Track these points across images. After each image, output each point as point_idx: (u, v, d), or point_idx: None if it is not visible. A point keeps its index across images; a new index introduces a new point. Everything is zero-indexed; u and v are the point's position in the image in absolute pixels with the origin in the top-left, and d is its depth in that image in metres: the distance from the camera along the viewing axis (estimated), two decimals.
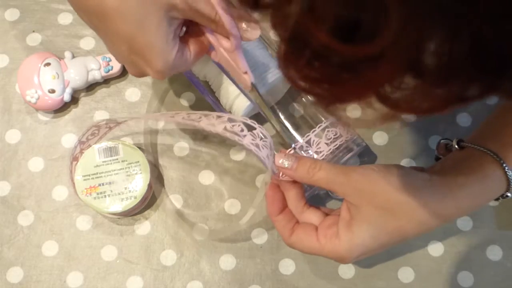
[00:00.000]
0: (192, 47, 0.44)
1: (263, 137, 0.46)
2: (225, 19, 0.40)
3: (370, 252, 0.45)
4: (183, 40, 0.44)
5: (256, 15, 0.26)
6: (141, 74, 0.45)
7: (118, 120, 0.55)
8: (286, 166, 0.46)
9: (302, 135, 0.53)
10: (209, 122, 0.46)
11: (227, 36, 0.42)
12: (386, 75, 0.23)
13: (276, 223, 0.48)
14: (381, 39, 0.21)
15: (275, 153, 0.48)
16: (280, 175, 0.48)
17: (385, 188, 0.43)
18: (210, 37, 0.44)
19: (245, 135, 0.45)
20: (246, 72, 0.44)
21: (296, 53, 0.25)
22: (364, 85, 0.24)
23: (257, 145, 0.45)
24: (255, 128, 0.46)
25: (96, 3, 0.39)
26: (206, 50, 0.45)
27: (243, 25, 0.41)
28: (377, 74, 0.23)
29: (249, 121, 0.46)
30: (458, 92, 0.23)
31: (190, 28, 0.44)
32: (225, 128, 0.45)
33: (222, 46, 0.43)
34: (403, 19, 0.21)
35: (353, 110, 0.37)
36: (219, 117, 0.47)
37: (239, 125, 0.46)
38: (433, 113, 0.25)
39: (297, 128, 0.55)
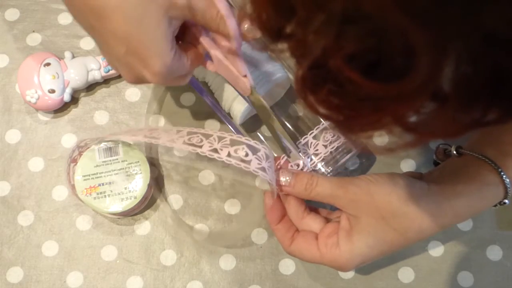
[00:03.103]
0: (189, 54, 0.44)
1: (267, 157, 0.46)
2: (227, 18, 0.40)
3: (370, 260, 0.45)
4: (180, 47, 0.43)
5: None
6: (137, 78, 0.43)
7: (119, 135, 0.54)
8: (283, 182, 0.46)
9: (300, 136, 0.53)
10: (212, 147, 0.45)
11: (227, 36, 0.42)
12: (410, 106, 0.24)
13: (276, 232, 0.48)
14: (410, 80, 0.22)
15: (274, 169, 0.48)
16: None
17: (382, 198, 0.44)
18: (206, 42, 0.43)
19: (250, 160, 0.45)
20: (245, 76, 0.44)
21: (317, 82, 0.25)
22: (386, 114, 0.25)
23: (263, 169, 0.45)
24: (259, 150, 0.46)
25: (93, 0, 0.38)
26: (202, 59, 0.45)
27: (245, 24, 0.41)
28: (401, 105, 0.24)
29: (252, 142, 0.46)
30: (478, 117, 0.24)
31: (186, 37, 0.44)
32: (229, 154, 0.45)
33: (221, 47, 0.43)
34: (432, 61, 0.21)
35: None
36: (220, 138, 0.46)
37: (243, 148, 0.45)
38: (452, 138, 0.25)
39: (295, 130, 0.55)
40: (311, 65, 0.25)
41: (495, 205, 0.46)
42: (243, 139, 0.46)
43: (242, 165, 0.45)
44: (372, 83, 0.23)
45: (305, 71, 0.25)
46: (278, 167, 0.50)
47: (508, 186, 0.44)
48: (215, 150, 0.45)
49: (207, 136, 0.47)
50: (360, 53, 0.22)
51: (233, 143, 0.46)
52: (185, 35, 0.44)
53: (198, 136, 0.47)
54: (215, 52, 0.44)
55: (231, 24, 0.41)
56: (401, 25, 0.20)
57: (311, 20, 0.23)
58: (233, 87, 0.47)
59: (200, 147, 0.46)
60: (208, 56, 0.45)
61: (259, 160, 0.45)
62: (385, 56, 0.22)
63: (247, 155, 0.45)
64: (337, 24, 0.22)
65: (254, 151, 0.46)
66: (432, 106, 0.24)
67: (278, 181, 0.47)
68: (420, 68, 0.21)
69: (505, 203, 0.45)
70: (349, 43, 0.22)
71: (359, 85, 0.23)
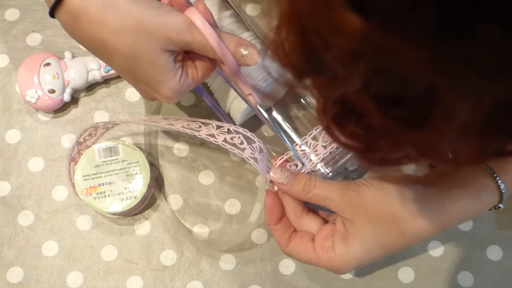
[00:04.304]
0: (200, 66, 0.45)
1: (261, 150, 0.46)
2: (219, 51, 0.41)
3: (365, 263, 0.46)
4: (189, 59, 0.44)
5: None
6: (153, 99, 0.46)
7: (116, 122, 0.55)
8: (281, 181, 0.46)
9: (300, 137, 0.53)
10: (209, 132, 0.47)
11: (223, 63, 0.43)
12: (435, 144, 0.24)
13: (274, 232, 0.48)
14: (444, 130, 0.22)
15: (271, 167, 0.48)
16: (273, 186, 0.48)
17: (378, 203, 0.44)
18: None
19: (244, 148, 0.46)
20: (250, 94, 0.45)
21: (341, 114, 0.26)
22: (410, 148, 0.25)
23: (255, 159, 0.46)
24: (254, 142, 0.47)
25: (97, 41, 0.41)
26: (214, 66, 0.46)
27: (242, 50, 0.42)
28: (426, 141, 0.24)
29: (249, 134, 0.47)
30: (499, 147, 0.25)
31: None
32: (225, 140, 0.46)
33: (223, 70, 0.44)
34: (461, 115, 0.22)
35: None
36: (219, 126, 0.47)
37: (239, 137, 0.46)
38: (472, 165, 0.26)
39: (295, 130, 0.55)
40: (336, 101, 0.25)
41: (490, 209, 0.46)
42: (240, 129, 0.47)
43: (236, 150, 0.46)
44: (396, 126, 0.23)
45: (330, 106, 0.26)
46: (277, 166, 0.50)
47: (503, 191, 0.44)
48: (212, 135, 0.47)
49: (206, 124, 0.48)
50: (386, 98, 0.23)
51: (231, 132, 0.47)
52: None
53: (197, 123, 0.48)
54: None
55: (224, 58, 0.42)
56: (435, 84, 0.21)
57: (341, 69, 0.23)
58: (233, 85, 0.48)
59: (198, 131, 0.47)
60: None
61: (253, 151, 0.46)
62: (411, 103, 0.23)
63: (242, 143, 0.46)
64: (368, 74, 0.22)
65: (249, 142, 0.47)
66: (457, 140, 0.24)
67: (276, 180, 0.47)
68: (451, 120, 0.22)
69: (499, 207, 0.45)
70: (376, 89, 0.23)
71: (383, 124, 0.23)
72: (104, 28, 0.39)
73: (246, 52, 0.42)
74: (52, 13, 0.41)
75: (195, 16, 0.41)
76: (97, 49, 0.42)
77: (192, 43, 0.42)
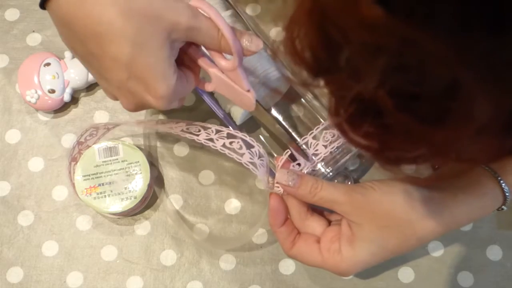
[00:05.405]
0: (188, 77, 0.44)
1: (260, 155, 0.46)
2: (229, 36, 0.40)
3: (370, 265, 0.46)
4: (180, 70, 0.44)
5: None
6: (137, 106, 0.43)
7: (117, 123, 0.55)
8: (288, 184, 0.46)
9: (300, 137, 0.53)
10: (208, 137, 0.46)
11: (229, 52, 0.42)
12: (452, 140, 0.24)
13: (278, 235, 0.48)
14: (463, 128, 0.22)
15: (275, 168, 0.48)
16: (274, 186, 0.48)
17: (384, 207, 0.44)
18: (205, 63, 0.44)
19: (243, 154, 0.46)
20: (249, 90, 0.44)
21: (355, 114, 0.25)
22: (426, 146, 0.25)
23: (254, 164, 0.45)
24: (253, 146, 0.46)
25: (95, 24, 0.38)
26: (198, 81, 0.45)
27: (245, 40, 0.42)
28: (444, 139, 0.24)
29: (248, 139, 0.47)
30: None
31: (183, 60, 0.44)
32: (223, 145, 0.46)
33: (220, 67, 0.43)
34: (485, 110, 0.22)
35: None
36: (218, 131, 0.47)
37: (238, 142, 0.46)
38: (486, 164, 0.26)
39: (295, 130, 0.55)
40: (352, 100, 0.25)
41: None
42: (239, 134, 0.47)
43: (235, 155, 0.46)
44: (415, 123, 0.23)
45: (345, 105, 0.25)
46: (280, 167, 0.50)
47: (507, 194, 0.44)
48: (211, 140, 0.47)
49: (206, 128, 0.48)
50: (405, 94, 0.22)
51: (230, 136, 0.47)
52: (181, 58, 0.44)
53: (196, 127, 0.48)
54: (215, 71, 0.44)
55: (233, 43, 0.41)
56: (456, 78, 0.20)
57: (361, 66, 0.23)
58: (236, 104, 0.47)
59: (197, 136, 0.47)
60: (204, 79, 0.46)
61: (252, 156, 0.46)
62: (431, 99, 0.22)
63: (241, 148, 0.46)
64: (388, 70, 0.22)
65: (248, 146, 0.47)
66: (475, 139, 0.24)
67: (282, 182, 0.47)
68: (471, 116, 0.22)
69: (503, 209, 0.46)
70: (396, 85, 0.22)
71: (400, 122, 0.23)
72: (114, 9, 0.37)
73: (249, 39, 0.42)
74: (42, 5, 0.39)
75: (202, 2, 0.41)
76: (94, 35, 0.39)
77: (199, 29, 0.40)
